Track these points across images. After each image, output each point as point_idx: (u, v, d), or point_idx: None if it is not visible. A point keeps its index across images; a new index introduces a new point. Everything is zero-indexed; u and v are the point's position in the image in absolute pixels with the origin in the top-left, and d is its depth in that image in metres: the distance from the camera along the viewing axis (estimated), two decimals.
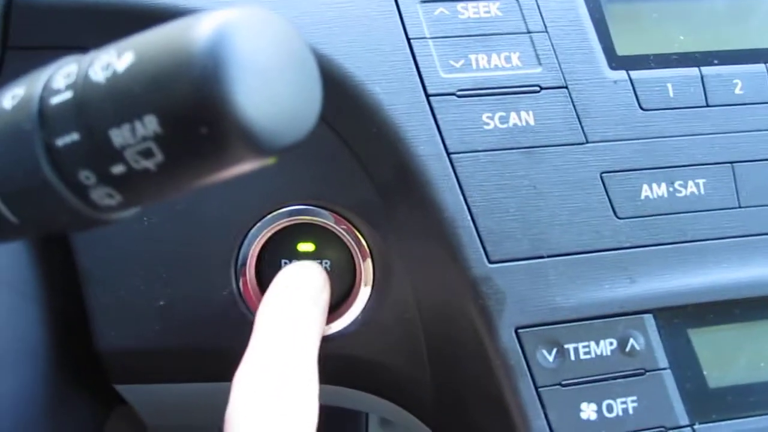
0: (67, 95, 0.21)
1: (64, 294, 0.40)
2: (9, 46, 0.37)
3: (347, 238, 0.38)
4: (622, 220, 0.36)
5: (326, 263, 0.39)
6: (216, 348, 0.39)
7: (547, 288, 0.35)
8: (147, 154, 0.20)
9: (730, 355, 0.37)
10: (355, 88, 0.35)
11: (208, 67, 0.19)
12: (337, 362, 0.39)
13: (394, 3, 0.37)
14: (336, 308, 0.39)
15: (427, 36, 0.36)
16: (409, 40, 0.36)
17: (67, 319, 0.41)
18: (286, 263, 0.39)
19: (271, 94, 0.20)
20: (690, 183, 0.37)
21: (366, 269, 0.39)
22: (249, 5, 0.35)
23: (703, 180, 0.37)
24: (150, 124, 0.20)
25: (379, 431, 0.66)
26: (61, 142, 0.21)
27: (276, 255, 0.39)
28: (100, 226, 0.23)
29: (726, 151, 0.37)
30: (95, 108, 0.20)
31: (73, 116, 0.21)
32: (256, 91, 0.19)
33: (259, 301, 0.37)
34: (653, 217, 0.36)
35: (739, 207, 0.37)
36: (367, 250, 0.39)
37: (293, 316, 0.33)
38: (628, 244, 0.36)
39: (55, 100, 0.21)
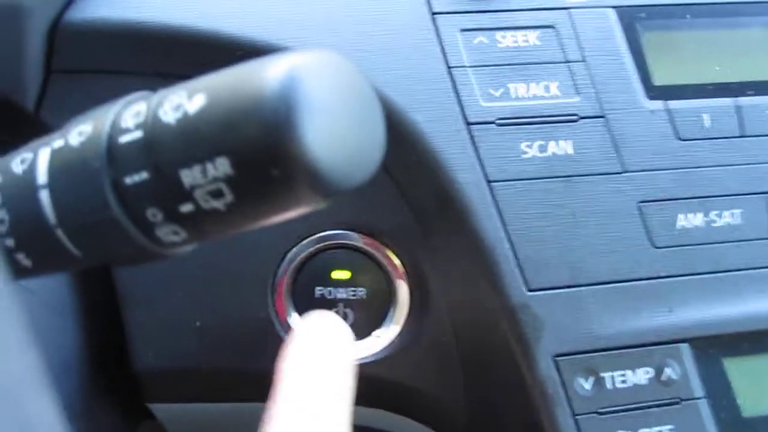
0: (137, 135, 0.21)
1: (101, 314, 0.40)
2: (53, 70, 0.37)
3: (384, 263, 0.39)
4: (659, 250, 0.36)
5: (362, 290, 0.39)
6: (251, 369, 0.39)
7: (584, 316, 0.36)
8: (217, 194, 0.20)
9: (764, 385, 0.37)
10: (396, 116, 0.36)
11: (279, 110, 0.19)
12: (371, 385, 0.40)
13: (434, 32, 0.37)
14: (372, 333, 0.39)
15: (467, 65, 0.37)
16: (449, 68, 0.37)
17: (103, 338, 0.41)
18: (320, 289, 0.39)
19: (338, 137, 0.20)
20: (726, 213, 0.37)
21: (402, 294, 0.39)
22: (300, 39, 0.36)
23: (739, 210, 0.37)
24: (222, 166, 0.20)
25: None
26: (129, 180, 0.21)
27: (312, 280, 0.39)
28: (160, 260, 0.23)
29: (761, 182, 0.37)
30: (166, 148, 0.21)
31: (142, 156, 0.21)
32: (326, 134, 0.20)
33: (293, 325, 0.38)
34: (689, 247, 0.37)
35: None
36: (404, 275, 0.39)
37: (323, 375, 0.30)
38: (664, 274, 0.36)
39: (124, 139, 0.21)
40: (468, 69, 0.37)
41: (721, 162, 0.37)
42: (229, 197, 0.20)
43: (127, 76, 0.37)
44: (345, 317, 0.39)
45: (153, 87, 0.36)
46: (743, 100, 0.38)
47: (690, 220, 0.37)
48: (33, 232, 0.23)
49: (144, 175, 0.21)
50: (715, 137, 0.37)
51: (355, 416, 0.40)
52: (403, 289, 0.39)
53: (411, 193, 0.37)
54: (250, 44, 0.36)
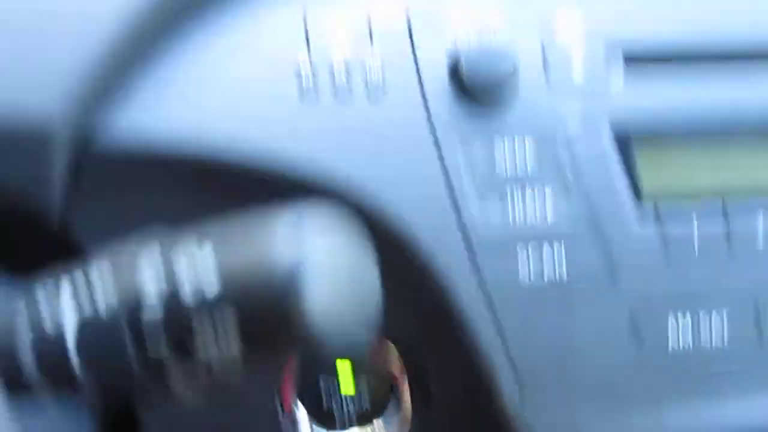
0: (159, 314, 0.23)
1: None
2: (77, 195, 0.37)
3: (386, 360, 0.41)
4: (649, 356, 0.38)
5: (363, 382, 0.41)
6: None
7: (575, 420, 0.37)
8: (229, 361, 0.23)
9: None
10: (391, 224, 0.37)
11: (289, 290, 0.22)
12: None
13: (434, 143, 0.38)
14: (372, 424, 0.41)
15: (466, 178, 0.38)
16: (448, 180, 0.38)
17: None
18: (324, 379, 0.41)
19: (340, 310, 0.23)
20: (714, 321, 0.39)
21: (404, 391, 0.41)
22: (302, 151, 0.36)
23: (727, 319, 0.39)
24: (233, 334, 0.23)
25: None
26: (151, 351, 0.24)
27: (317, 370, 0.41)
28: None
29: (749, 294, 0.39)
30: (185, 327, 0.23)
31: (164, 333, 0.24)
32: (329, 307, 0.22)
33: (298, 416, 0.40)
34: (679, 354, 0.38)
35: (761, 346, 0.39)
36: (405, 372, 0.41)
37: None
38: (653, 379, 0.38)
39: (147, 316, 0.24)
40: (467, 182, 0.38)
41: (710, 276, 0.39)
42: (239, 362, 0.23)
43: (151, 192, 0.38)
44: (347, 410, 0.41)
45: (178, 204, 0.37)
46: (734, 215, 0.39)
47: (679, 327, 0.38)
48: (59, 380, 0.25)
49: (165, 349, 0.23)
50: (705, 250, 0.39)
51: None
52: (404, 386, 0.41)
53: (410, 298, 0.39)
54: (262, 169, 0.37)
